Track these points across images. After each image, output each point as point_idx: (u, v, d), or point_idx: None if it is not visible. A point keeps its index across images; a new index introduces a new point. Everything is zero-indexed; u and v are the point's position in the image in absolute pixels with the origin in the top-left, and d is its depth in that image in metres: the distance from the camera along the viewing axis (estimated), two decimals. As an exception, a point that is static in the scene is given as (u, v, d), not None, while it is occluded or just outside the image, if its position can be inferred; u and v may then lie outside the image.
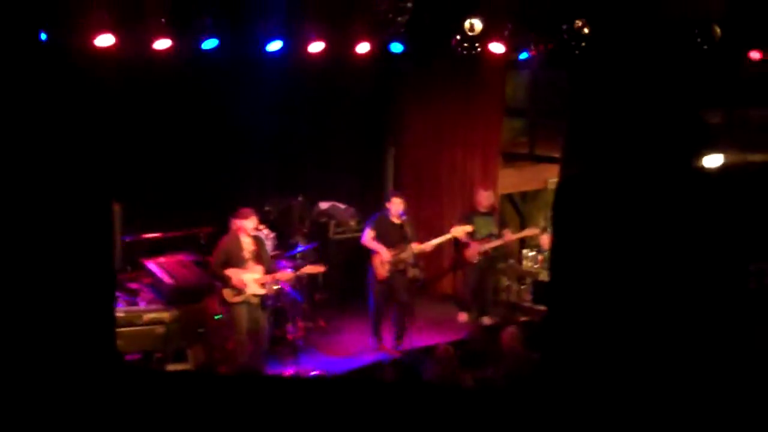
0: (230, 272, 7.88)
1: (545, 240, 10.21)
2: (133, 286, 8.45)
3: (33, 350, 2.87)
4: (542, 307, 9.57)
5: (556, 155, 10.41)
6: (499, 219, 9.92)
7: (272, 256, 8.49)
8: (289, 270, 8.31)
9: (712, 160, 3.56)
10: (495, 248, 9.78)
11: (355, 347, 9.16)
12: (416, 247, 8.86)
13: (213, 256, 8.04)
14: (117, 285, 8.05)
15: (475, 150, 10.83)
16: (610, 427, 2.77)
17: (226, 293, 7.90)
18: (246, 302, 7.92)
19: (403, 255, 8.89)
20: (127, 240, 9.02)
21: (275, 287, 8.48)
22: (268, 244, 8.45)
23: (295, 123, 10.53)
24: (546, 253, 10.26)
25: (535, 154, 11.06)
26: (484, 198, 9.80)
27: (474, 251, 9.74)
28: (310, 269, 8.43)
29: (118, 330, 7.21)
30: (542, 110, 10.98)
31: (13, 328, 2.83)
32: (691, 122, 3.11)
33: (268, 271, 8.02)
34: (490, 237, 9.73)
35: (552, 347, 3.15)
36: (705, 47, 7.35)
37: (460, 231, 9.37)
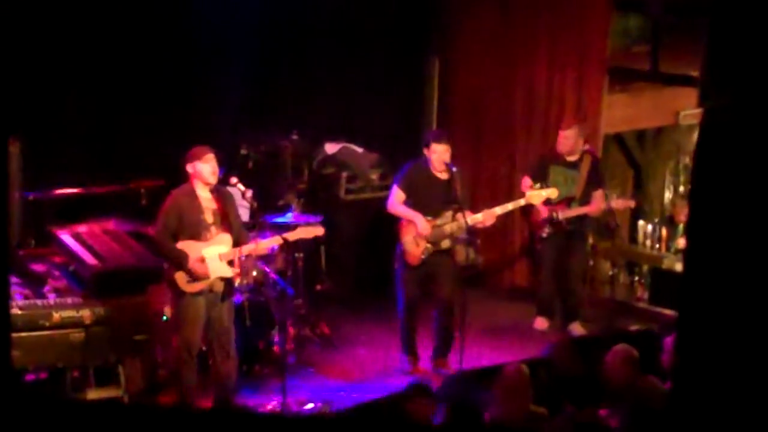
0: (185, 246, 7.82)
1: (679, 209, 10.29)
2: (38, 268, 8.46)
3: None
4: (666, 311, 9.61)
5: (694, 73, 10.19)
6: (588, 172, 9.77)
7: (250, 225, 8.50)
8: (263, 241, 8.19)
9: None
10: (576, 219, 9.74)
11: (374, 367, 9.17)
12: (471, 216, 8.69)
13: (157, 221, 8.00)
14: (12, 266, 7.91)
15: (566, 65, 10.71)
16: None
17: (179, 278, 7.84)
18: (206, 291, 7.88)
19: (450, 227, 8.76)
20: (30, 197, 9.03)
21: (254, 272, 8.43)
22: (244, 207, 8.47)
23: (288, 25, 10.52)
24: (677, 227, 10.35)
25: (661, 72, 10.74)
26: (565, 140, 9.72)
27: (543, 221, 9.80)
28: (301, 233, 8.31)
29: (14, 335, 7.11)
30: (673, 3, 10.77)
31: None
32: None
33: (238, 242, 7.93)
34: (569, 201, 9.72)
35: (685, 373, 3.30)
36: None
37: (539, 195, 9.15)
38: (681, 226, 10.21)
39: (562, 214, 9.66)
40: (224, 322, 7.98)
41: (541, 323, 10.04)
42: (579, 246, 10.01)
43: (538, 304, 10.13)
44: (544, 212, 9.70)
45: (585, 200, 9.70)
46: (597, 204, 9.72)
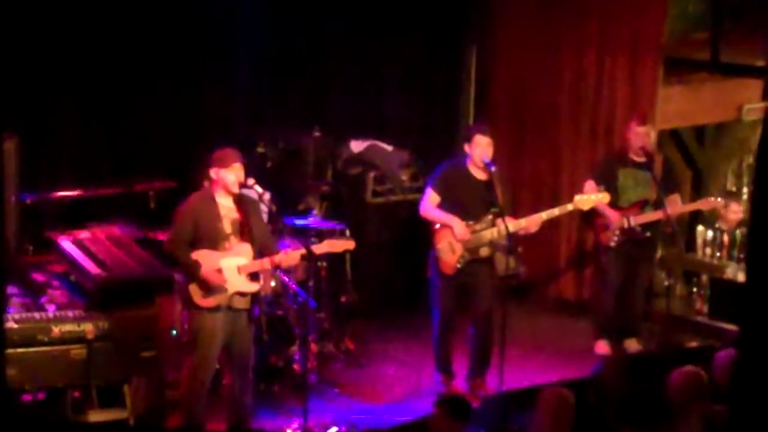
0: (200, 255, 7.81)
1: (734, 211, 10.19)
2: (37, 277, 8.49)
3: None
4: (729, 325, 9.57)
5: (759, 63, 10.13)
6: (662, 175, 9.68)
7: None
8: (294, 251, 8.13)
9: None
10: (649, 225, 9.59)
11: (404, 387, 9.19)
12: (513, 222, 8.67)
13: (171, 229, 8.00)
14: (8, 276, 7.96)
15: (617, 54, 10.68)
16: None
17: (194, 291, 7.84)
18: (224, 307, 7.87)
19: (489, 233, 8.77)
20: (28, 200, 9.04)
21: (272, 282, 8.49)
22: (263, 210, 8.43)
23: (310, 10, 10.56)
24: (736, 233, 10.32)
25: (721, 62, 10.68)
26: (638, 136, 9.57)
27: (613, 228, 9.62)
28: (329, 247, 8.25)
29: (9, 352, 7.24)
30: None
31: None
32: None
33: (260, 254, 7.92)
34: (643, 204, 9.62)
35: (747, 395, 3.40)
36: None
37: (590, 200, 9.06)
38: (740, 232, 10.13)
39: (635, 220, 9.55)
40: (244, 342, 7.99)
41: (603, 347, 9.82)
42: (649, 257, 9.97)
43: (600, 324, 9.94)
44: (613, 218, 9.57)
45: (660, 204, 9.50)
46: (676, 206, 9.61)
